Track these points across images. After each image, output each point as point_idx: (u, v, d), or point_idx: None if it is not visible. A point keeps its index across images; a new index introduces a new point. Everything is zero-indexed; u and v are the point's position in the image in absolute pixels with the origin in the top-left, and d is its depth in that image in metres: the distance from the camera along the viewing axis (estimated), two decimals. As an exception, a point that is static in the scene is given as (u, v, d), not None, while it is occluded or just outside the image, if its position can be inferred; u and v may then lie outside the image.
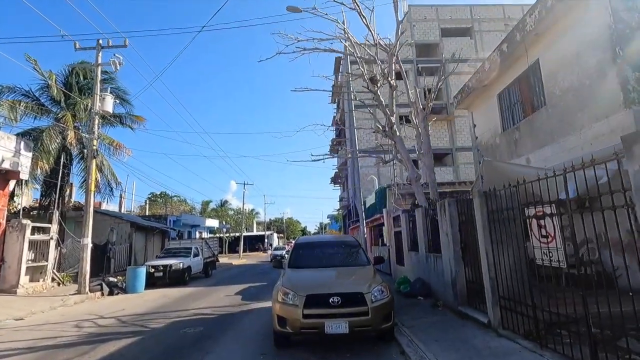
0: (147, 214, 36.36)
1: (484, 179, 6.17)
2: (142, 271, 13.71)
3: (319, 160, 11.75)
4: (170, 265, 14.70)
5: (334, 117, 34.52)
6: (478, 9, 29.88)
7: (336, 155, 28.32)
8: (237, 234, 46.35)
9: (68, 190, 18.11)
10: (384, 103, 10.26)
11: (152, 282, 14.67)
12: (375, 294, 5.29)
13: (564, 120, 7.85)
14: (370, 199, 15.14)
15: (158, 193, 54.11)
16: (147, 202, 40.71)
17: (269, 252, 37.49)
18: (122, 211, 32.50)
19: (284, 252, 24.00)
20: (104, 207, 27.11)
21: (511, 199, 5.64)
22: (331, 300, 5.05)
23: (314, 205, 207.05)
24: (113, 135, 23.90)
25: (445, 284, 7.54)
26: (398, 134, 10.42)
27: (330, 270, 6.23)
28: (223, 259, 31.26)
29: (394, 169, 13.92)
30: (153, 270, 14.63)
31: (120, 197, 30.70)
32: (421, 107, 11.14)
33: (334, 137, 32.99)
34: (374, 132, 10.65)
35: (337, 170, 33.46)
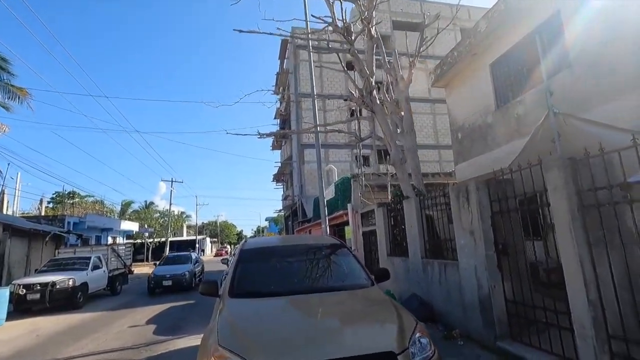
0: (42, 214, 29.41)
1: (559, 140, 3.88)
2: (4, 294, 9.35)
3: (266, 137, 8.81)
4: (53, 283, 10.42)
5: (278, 108, 31.52)
6: (428, 5, 29.39)
7: (285, 131, 25.13)
8: (164, 239, 40.54)
9: None
10: (361, 60, 7.71)
11: (25, 308, 10.31)
12: (416, 349, 2.64)
13: (601, 83, 6.07)
14: (329, 194, 12.59)
15: (66, 192, 45.41)
16: (43, 201, 33.10)
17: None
18: (8, 212, 25.56)
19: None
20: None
21: (609, 172, 3.40)
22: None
23: (250, 208, 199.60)
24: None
25: (465, 304, 5.16)
26: (378, 102, 7.97)
27: (313, 299, 3.40)
28: (143, 269, 26.22)
29: (360, 155, 11.53)
30: (24, 291, 10.25)
31: (2, 192, 23.89)
32: (401, 75, 8.87)
33: (278, 129, 29.96)
34: (345, 99, 8.08)
35: (280, 166, 30.44)
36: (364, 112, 10.32)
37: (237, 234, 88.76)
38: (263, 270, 4.01)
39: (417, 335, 2.75)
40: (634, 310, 3.24)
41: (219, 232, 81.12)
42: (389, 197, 10.64)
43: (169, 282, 13.50)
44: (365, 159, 21.81)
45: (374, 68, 7.99)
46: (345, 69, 8.63)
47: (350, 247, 4.70)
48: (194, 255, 17.36)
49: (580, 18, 6.37)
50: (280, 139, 28.92)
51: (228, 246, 68.10)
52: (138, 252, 36.88)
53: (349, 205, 10.73)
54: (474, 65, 9.46)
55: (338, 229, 11.81)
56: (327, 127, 9.18)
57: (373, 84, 7.69)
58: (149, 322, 8.53)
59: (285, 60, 29.10)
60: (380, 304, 3.29)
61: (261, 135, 8.78)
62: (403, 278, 7.11)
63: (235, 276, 3.77)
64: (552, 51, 7.14)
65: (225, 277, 5.02)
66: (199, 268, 16.43)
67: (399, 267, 7.43)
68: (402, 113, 8.80)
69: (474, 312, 4.94)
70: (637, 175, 3.21)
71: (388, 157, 7.94)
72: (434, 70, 10.99)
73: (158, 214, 50.15)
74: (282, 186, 35.86)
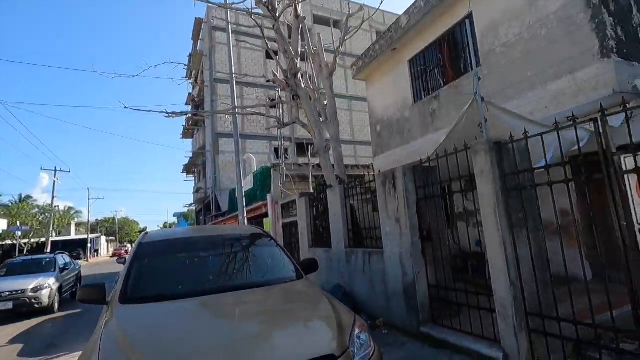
0: None
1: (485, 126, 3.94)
2: None
3: (175, 116, 7.71)
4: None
5: (190, 94, 29.02)
6: (346, 4, 30.12)
7: (199, 111, 22.95)
8: (44, 239, 34.21)
9: None
10: (286, 39, 7.19)
11: None
12: (356, 348, 2.29)
13: (506, 82, 6.63)
14: (247, 184, 11.78)
15: None
16: None
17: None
18: None
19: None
20: None
21: (527, 155, 3.57)
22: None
23: (156, 203, 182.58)
24: None
25: (389, 293, 5.10)
26: (303, 85, 7.56)
27: (230, 299, 2.80)
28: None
29: (281, 139, 10.98)
30: None
31: None
32: (325, 61, 8.62)
33: (190, 116, 27.60)
34: (268, 81, 7.49)
35: (191, 157, 28.12)
36: (290, 101, 9.84)
37: (139, 232, 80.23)
38: (167, 267, 3.26)
39: (357, 331, 2.41)
40: (547, 288, 3.43)
41: (117, 230, 72.34)
42: (311, 188, 10.38)
43: (8, 305, 8.45)
44: (284, 151, 21.41)
45: (300, 48, 7.54)
46: (268, 46, 7.99)
47: (269, 234, 4.17)
48: (62, 258, 11.52)
49: (489, 21, 6.87)
50: (191, 127, 26.69)
51: (129, 245, 60.94)
52: (7, 255, 30.38)
53: (268, 196, 10.16)
54: (394, 60, 9.74)
55: (256, 222, 11.15)
56: (247, 110, 8.44)
57: (298, 65, 7.24)
58: (13, 340, 6.77)
59: (199, 42, 26.86)
60: (313, 298, 2.87)
61: (169, 115, 7.62)
62: (326, 269, 6.88)
63: (129, 277, 2.96)
64: (465, 50, 7.61)
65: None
66: (70, 277, 11.41)
67: (321, 258, 7.17)
68: (326, 102, 8.57)
69: (397, 299, 4.90)
70: (541, 161, 3.40)
71: (311, 146, 7.62)
72: (356, 62, 11.08)
73: (37, 210, 42.22)
74: (193, 178, 33.28)
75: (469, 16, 7.30)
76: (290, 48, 6.99)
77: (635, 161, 2.55)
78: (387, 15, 30.35)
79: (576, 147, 3.12)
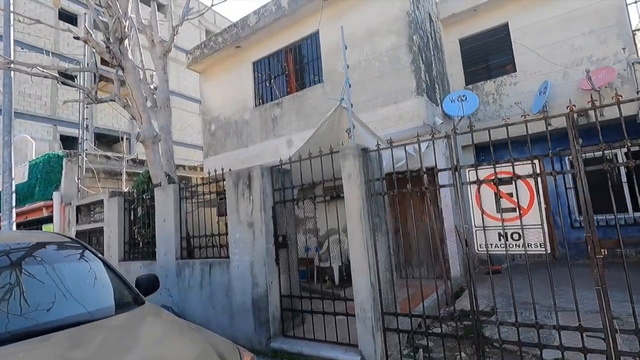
0: None
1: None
2: None
3: None
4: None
5: None
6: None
7: None
8: None
9: None
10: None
11: None
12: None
13: (336, 102, 7.27)
14: (19, 176, 8.17)
15: None
16: None
17: None
18: None
19: None
20: None
21: (381, 164, 3.92)
22: None
23: None
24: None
25: (234, 308, 4.47)
26: (131, 56, 6.01)
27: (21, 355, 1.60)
28: None
29: (84, 126, 8.21)
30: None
31: None
32: (160, 37, 7.27)
33: None
34: (77, 38, 5.50)
35: None
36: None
37: None
38: None
39: None
40: (392, 287, 3.73)
41: None
42: (124, 186, 8.36)
43: None
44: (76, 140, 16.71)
45: (130, 8, 5.97)
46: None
47: (81, 243, 2.82)
48: None
49: (334, 42, 7.46)
50: None
51: None
52: None
53: (55, 193, 7.51)
54: (237, 58, 9.25)
55: (32, 227, 8.01)
56: (35, 69, 5.85)
57: (126, 29, 5.68)
58: None
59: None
60: (173, 333, 2.02)
61: None
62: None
63: None
64: (310, 64, 7.98)
65: None
66: None
67: (139, 274, 5.71)
68: (154, 85, 7.16)
69: (244, 315, 4.34)
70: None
71: (137, 133, 6.11)
72: (193, 51, 9.93)
73: None
74: None
75: (316, 33, 7.74)
76: (118, 3, 5.41)
77: (477, 175, 3.08)
78: (219, 17, 29.48)
79: (403, 163, 3.64)
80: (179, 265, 5.20)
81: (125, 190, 7.22)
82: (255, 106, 8.90)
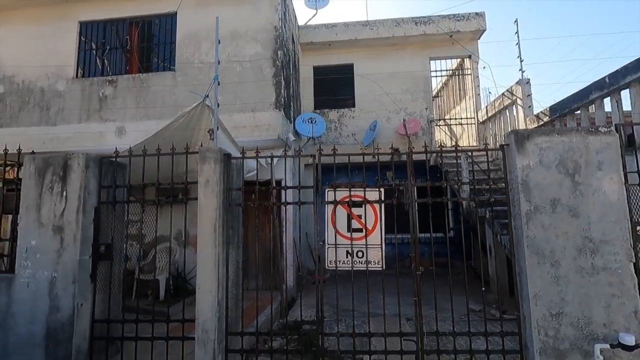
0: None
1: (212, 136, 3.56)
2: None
3: None
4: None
5: None
6: None
7: None
8: None
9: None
10: None
11: None
12: None
13: (197, 98, 6.59)
14: None
15: None
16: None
17: None
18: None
19: None
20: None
21: (241, 173, 3.79)
22: None
23: None
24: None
25: (11, 344, 3.23)
26: None
27: None
28: None
29: None
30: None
31: None
32: None
33: None
34: None
35: None
36: None
37: None
38: None
39: None
40: (239, 303, 3.53)
41: None
42: None
43: None
44: None
45: None
46: None
47: None
48: None
49: (193, 31, 6.78)
50: None
51: None
52: None
53: None
54: (57, 11, 7.25)
55: None
56: None
57: None
58: None
59: None
60: None
61: None
62: None
63: None
64: (162, 47, 6.97)
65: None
66: None
67: None
68: None
69: (30, 353, 3.18)
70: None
71: None
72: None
73: None
74: None
75: (174, 15, 6.87)
76: None
77: (335, 195, 3.30)
78: None
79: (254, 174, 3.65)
80: None
81: None
82: (77, 77, 7.06)
